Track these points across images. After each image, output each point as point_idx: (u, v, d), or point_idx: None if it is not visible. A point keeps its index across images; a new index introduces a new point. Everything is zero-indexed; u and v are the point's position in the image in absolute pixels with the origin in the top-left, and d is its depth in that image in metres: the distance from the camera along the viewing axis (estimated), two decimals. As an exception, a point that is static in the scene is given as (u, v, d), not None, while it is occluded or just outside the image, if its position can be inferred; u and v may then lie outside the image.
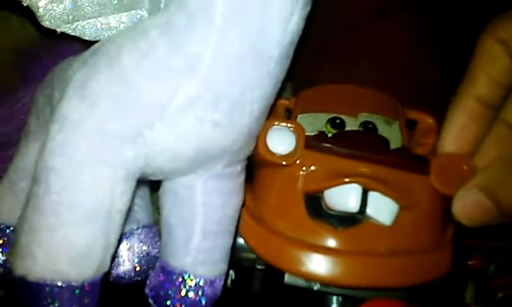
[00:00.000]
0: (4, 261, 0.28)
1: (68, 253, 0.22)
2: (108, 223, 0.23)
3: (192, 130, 0.23)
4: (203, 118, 0.23)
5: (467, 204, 0.25)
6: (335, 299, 0.26)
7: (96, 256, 0.23)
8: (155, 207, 0.31)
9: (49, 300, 0.23)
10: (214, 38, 0.21)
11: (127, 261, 0.31)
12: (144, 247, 0.31)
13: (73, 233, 0.22)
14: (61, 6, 0.25)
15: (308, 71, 0.36)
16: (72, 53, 0.28)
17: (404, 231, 0.26)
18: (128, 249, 0.31)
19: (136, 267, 0.31)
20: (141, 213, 0.31)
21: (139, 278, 0.30)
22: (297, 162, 0.26)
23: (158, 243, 0.31)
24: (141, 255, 0.31)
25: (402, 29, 0.37)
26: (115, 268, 0.30)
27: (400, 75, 0.36)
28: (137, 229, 0.31)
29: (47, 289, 0.22)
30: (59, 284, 0.22)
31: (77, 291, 0.23)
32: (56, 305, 0.23)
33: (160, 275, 0.27)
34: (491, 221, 0.25)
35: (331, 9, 0.37)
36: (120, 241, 0.29)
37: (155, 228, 0.32)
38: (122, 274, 0.30)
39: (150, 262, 0.31)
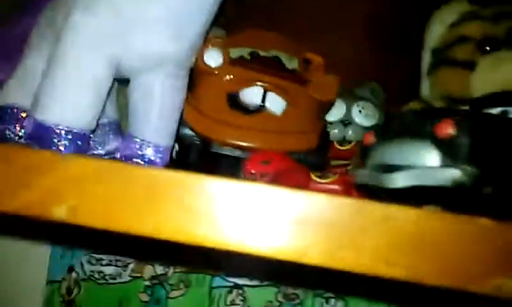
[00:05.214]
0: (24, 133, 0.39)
1: (74, 108, 0.35)
2: (98, 93, 0.35)
3: (156, 39, 0.36)
4: (163, 32, 0.36)
5: None
6: (245, 162, 0.40)
7: (90, 115, 0.35)
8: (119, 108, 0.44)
9: (57, 140, 0.35)
10: None
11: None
12: (111, 135, 0.43)
13: (79, 94, 0.34)
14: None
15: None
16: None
17: (289, 119, 0.41)
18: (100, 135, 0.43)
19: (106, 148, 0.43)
20: (110, 112, 0.44)
21: (108, 157, 0.43)
22: (224, 72, 0.40)
23: (120, 133, 0.43)
24: (106, 140, 0.43)
25: None
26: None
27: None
28: (107, 121, 0.43)
29: (57, 131, 0.34)
30: (66, 129, 0.35)
31: (75, 136, 0.35)
32: (61, 142, 0.35)
33: (128, 142, 0.40)
34: None
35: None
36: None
37: (119, 123, 0.44)
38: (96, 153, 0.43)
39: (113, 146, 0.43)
